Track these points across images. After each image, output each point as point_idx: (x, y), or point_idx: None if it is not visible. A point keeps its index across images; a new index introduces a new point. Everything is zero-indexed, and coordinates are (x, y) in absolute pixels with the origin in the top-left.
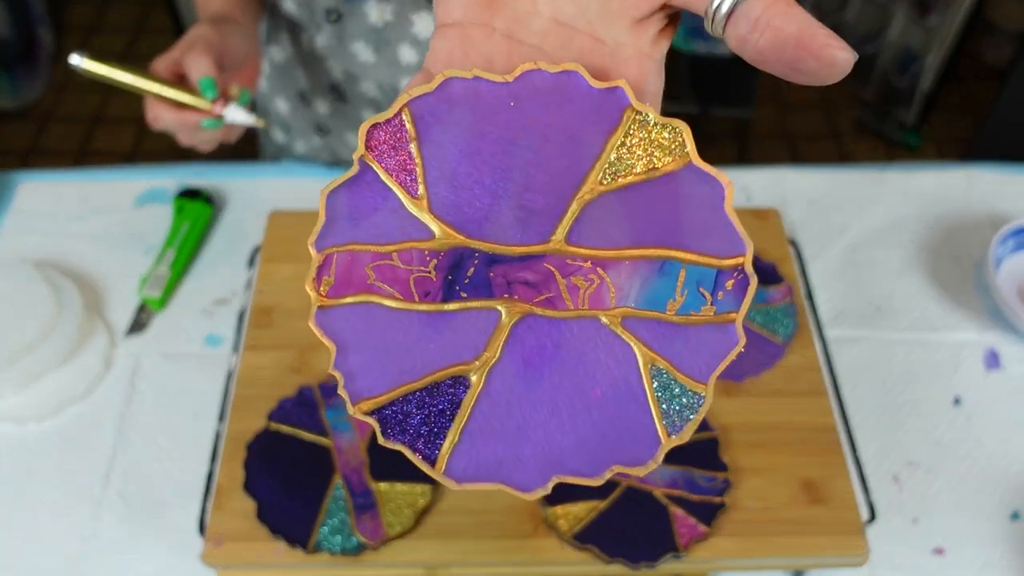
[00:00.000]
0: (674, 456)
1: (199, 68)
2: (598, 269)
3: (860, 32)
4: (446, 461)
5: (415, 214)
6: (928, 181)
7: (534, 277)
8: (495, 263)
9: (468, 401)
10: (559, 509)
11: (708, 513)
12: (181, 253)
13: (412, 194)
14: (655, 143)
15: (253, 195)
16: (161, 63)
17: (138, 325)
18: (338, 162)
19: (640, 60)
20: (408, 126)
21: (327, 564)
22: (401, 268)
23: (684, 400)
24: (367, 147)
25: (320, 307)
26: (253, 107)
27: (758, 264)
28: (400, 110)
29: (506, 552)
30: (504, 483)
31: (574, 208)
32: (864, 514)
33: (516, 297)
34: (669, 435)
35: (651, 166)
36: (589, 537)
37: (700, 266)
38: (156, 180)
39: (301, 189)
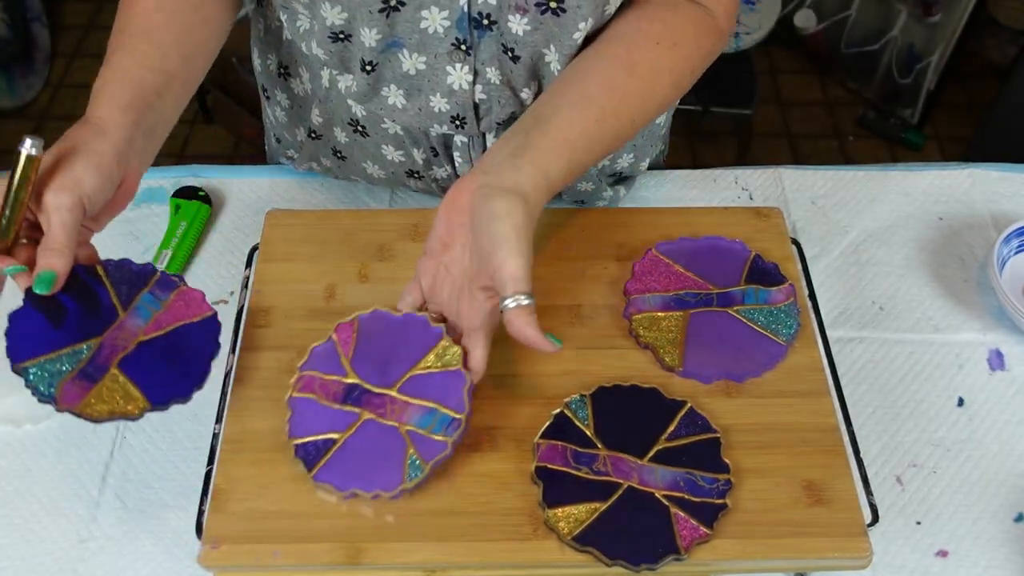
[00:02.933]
0: (675, 457)
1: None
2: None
3: (863, 31)
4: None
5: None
6: (931, 181)
7: (380, 401)
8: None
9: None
10: (559, 511)
11: (709, 514)
12: (178, 253)
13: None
14: (443, 358)
15: (251, 194)
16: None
17: None
18: (349, 179)
19: (481, 306)
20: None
21: (325, 566)
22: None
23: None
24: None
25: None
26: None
27: (760, 264)
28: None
29: (506, 554)
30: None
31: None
32: (867, 516)
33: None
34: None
35: (440, 366)
36: (589, 539)
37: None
38: (153, 180)
39: (298, 188)
